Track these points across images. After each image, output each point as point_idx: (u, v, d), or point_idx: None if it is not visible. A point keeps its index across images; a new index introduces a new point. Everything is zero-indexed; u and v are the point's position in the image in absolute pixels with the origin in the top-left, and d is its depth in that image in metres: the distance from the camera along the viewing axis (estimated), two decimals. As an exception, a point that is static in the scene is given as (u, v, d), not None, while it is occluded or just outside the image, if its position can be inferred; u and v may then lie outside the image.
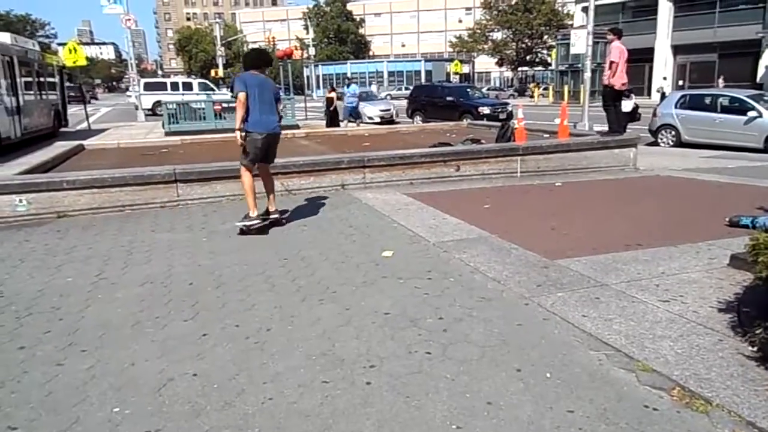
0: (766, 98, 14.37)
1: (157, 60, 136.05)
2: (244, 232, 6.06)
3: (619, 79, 9.93)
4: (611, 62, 9.88)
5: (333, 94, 21.37)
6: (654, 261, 4.79)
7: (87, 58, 26.07)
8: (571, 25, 47.49)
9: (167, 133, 18.23)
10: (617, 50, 9.86)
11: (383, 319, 3.80)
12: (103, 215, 7.18)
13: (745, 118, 13.29)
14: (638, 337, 3.38)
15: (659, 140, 15.01)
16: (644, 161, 10.46)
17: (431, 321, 3.73)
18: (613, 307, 3.85)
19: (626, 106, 13.33)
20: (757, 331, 3.16)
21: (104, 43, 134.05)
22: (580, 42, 19.50)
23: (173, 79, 40.70)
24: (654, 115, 15.47)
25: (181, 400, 2.85)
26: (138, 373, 3.14)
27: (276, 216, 6.43)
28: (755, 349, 3.13)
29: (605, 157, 9.86)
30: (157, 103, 28.05)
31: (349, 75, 64.96)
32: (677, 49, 38.59)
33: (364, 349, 3.36)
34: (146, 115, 28.25)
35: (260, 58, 6.41)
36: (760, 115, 13.07)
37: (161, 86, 33.38)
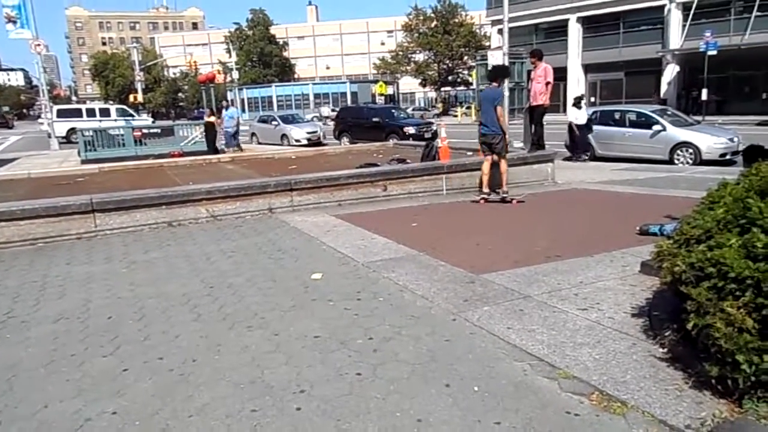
0: (669, 113, 15.42)
1: (71, 86, 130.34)
2: (504, 200, 8.46)
3: (548, 98, 10.60)
4: (547, 83, 10.42)
5: (213, 119, 20.35)
6: (572, 271, 5.01)
7: (-7, 85, 24.70)
8: (489, 46, 49.31)
9: (83, 161, 17.49)
10: (550, 71, 10.44)
11: (313, 342, 3.77)
12: (11, 249, 6.76)
13: (650, 131, 14.19)
14: (559, 346, 3.51)
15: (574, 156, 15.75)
16: (561, 175, 10.94)
17: (361, 342, 3.73)
18: (536, 317, 3.99)
19: (581, 117, 14.31)
20: (666, 334, 3.37)
21: (12, 69, 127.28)
22: (497, 62, 20.28)
23: (89, 105, 39.14)
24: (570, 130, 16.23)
25: (99, 442, 2.71)
26: (51, 416, 2.96)
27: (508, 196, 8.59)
28: (665, 350, 3.32)
29: (525, 172, 10.24)
30: (72, 131, 26.83)
31: (274, 98, 64.70)
32: (588, 68, 40.77)
33: (293, 375, 3.32)
34: (60, 143, 26.93)
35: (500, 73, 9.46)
36: (664, 129, 13.99)
37: (76, 113, 32.03)
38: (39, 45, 25.07)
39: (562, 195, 9.35)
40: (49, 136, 26.85)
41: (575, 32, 40.57)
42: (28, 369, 3.54)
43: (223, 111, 21.43)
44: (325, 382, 3.21)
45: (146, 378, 3.35)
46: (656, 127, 14.12)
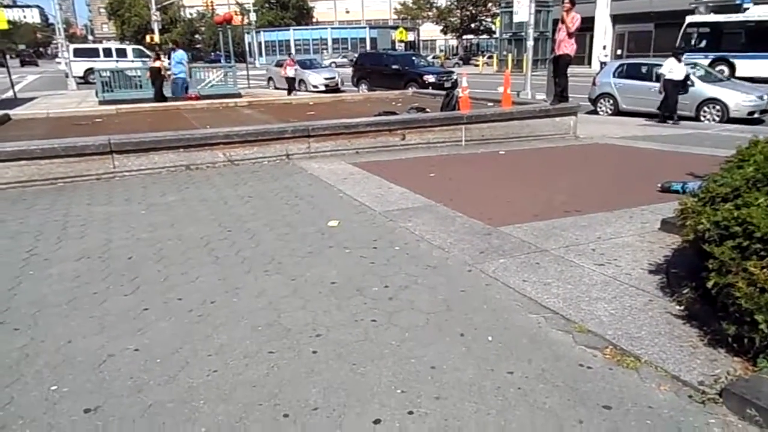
0: (698, 68, 14.93)
1: (87, 25, 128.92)
2: None
3: (574, 49, 10.16)
4: (571, 33, 9.94)
5: (158, 63, 17.62)
6: (591, 226, 4.97)
7: (9, 22, 24.49)
8: (515, -7, 47.72)
9: (101, 102, 17.45)
10: (578, 20, 9.94)
11: (329, 288, 3.81)
12: (33, 188, 6.85)
13: (678, 87, 13.75)
14: (575, 300, 3.51)
15: (598, 109, 15.41)
16: (584, 129, 10.74)
17: (377, 289, 3.77)
18: (552, 271, 3.99)
19: (677, 72, 12.61)
20: (684, 291, 3.35)
21: (28, 6, 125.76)
22: (523, 10, 19.64)
23: (106, 45, 38.83)
24: (593, 84, 15.85)
25: (122, 376, 2.79)
26: (76, 351, 3.05)
27: None
28: (682, 308, 3.31)
29: (547, 125, 10.06)
30: (90, 71, 26.68)
31: (292, 42, 63.57)
32: (616, 19, 39.43)
33: (310, 319, 3.37)
34: (78, 83, 26.88)
35: None
36: (692, 84, 13.58)
37: (93, 52, 31.76)
38: (55, -19, 24.68)
39: (584, 149, 9.20)
40: (67, 76, 26.78)
41: (605, -20, 39.06)
42: (52, 305, 3.62)
43: (171, 54, 18.16)
44: (341, 327, 3.26)
45: (166, 317, 3.42)
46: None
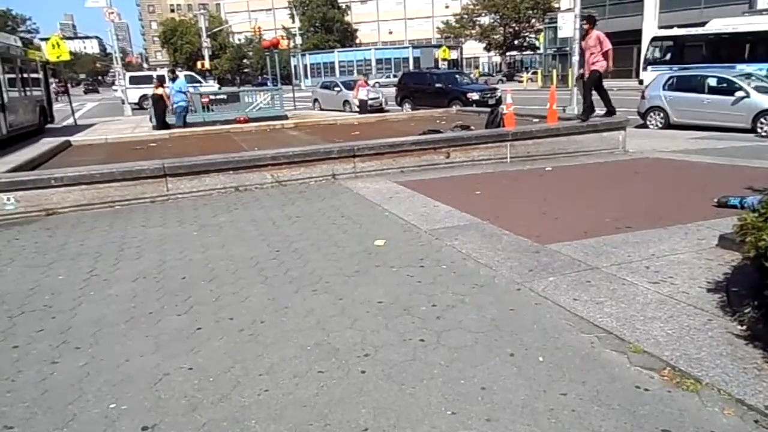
0: (753, 78, 14.43)
1: (142, 53, 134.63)
2: None
3: (608, 64, 9.89)
4: (606, 50, 9.65)
5: (161, 90, 16.90)
6: (644, 243, 4.83)
7: (71, 53, 25.79)
8: (558, 8, 47.36)
9: (155, 127, 18.09)
10: (604, 38, 9.74)
11: (377, 308, 3.82)
12: (92, 212, 7.14)
13: (732, 98, 13.34)
14: (629, 319, 3.42)
15: (648, 122, 15.05)
16: (633, 144, 10.50)
17: (424, 309, 3.76)
18: (604, 290, 3.89)
19: None
20: (746, 311, 3.21)
21: (88, 37, 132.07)
22: (568, 25, 19.49)
23: (159, 72, 40.35)
24: (642, 97, 15.51)
25: (177, 395, 2.86)
26: (133, 369, 3.14)
27: None
28: (744, 327, 3.17)
29: (594, 140, 9.89)
30: (144, 97, 27.78)
31: (336, 64, 64.62)
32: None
33: (358, 338, 3.38)
34: (133, 109, 27.99)
35: None
36: (748, 95, 13.13)
37: (147, 80, 33.05)
38: (112, 13, 25.87)
39: (634, 164, 8.98)
40: (123, 103, 27.93)
41: (652, -8, 38.35)
42: (111, 324, 3.76)
43: (169, 82, 17.45)
44: (389, 347, 3.26)
45: (218, 337, 3.50)
46: (739, 93, 13.25)
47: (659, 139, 12.08)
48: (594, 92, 10.15)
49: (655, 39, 29.66)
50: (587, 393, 2.70)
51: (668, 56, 28.39)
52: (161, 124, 16.64)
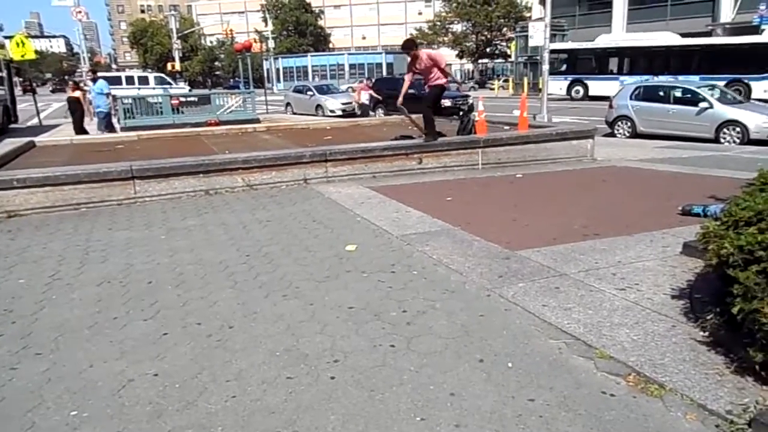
0: (716, 89, 14.85)
1: (111, 53, 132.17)
2: None
3: (445, 81, 9.63)
4: (442, 68, 9.31)
5: (78, 94, 16.12)
6: (611, 250, 4.92)
7: (36, 52, 25.20)
8: (530, 17, 48.10)
9: (123, 129, 17.75)
10: (435, 54, 9.66)
11: (347, 313, 3.80)
12: (56, 214, 6.96)
13: (696, 108, 13.71)
14: (596, 325, 3.47)
15: (616, 131, 15.35)
16: (601, 152, 10.70)
17: (395, 314, 3.75)
18: (572, 296, 3.94)
19: None
20: (708, 317, 3.29)
21: (54, 36, 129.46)
22: (538, 34, 19.81)
23: (128, 72, 39.73)
24: (610, 106, 15.82)
25: (141, 401, 2.80)
26: (96, 375, 3.06)
27: None
28: (706, 334, 3.25)
29: (564, 148, 10.04)
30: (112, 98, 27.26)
31: (309, 68, 64.41)
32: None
33: (328, 344, 3.36)
34: (101, 109, 27.41)
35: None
36: (711, 106, 13.51)
37: (116, 80, 32.47)
38: (80, 12, 25.42)
39: (602, 172, 9.15)
40: (90, 104, 27.35)
41: (620, 4, 39.25)
42: (74, 330, 3.66)
43: (91, 85, 16.29)
44: (359, 353, 3.24)
45: (185, 342, 3.44)
46: (703, 104, 13.64)
47: (626, 147, 12.32)
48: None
49: (552, 51, 32.49)
50: (554, 399, 2.73)
51: (563, 67, 32.44)
52: (78, 130, 15.49)
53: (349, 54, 70.66)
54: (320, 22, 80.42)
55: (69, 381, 3.01)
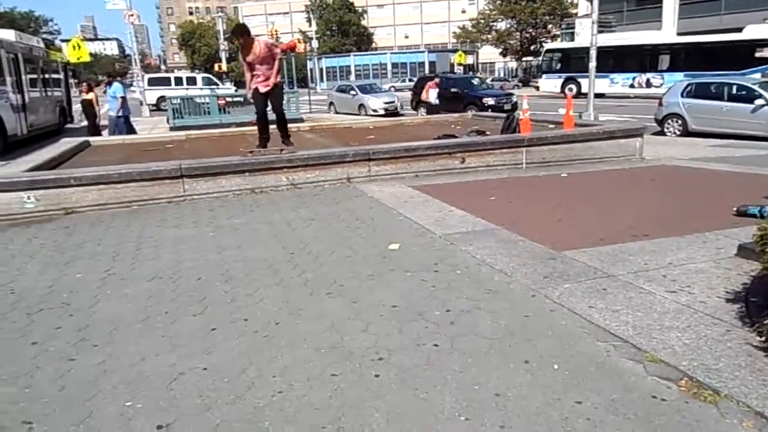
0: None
1: (161, 55, 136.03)
2: None
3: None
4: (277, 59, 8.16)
5: (91, 96, 15.89)
6: (661, 251, 4.79)
7: (91, 54, 26.12)
8: (576, 14, 47.15)
9: (172, 128, 18.28)
10: (274, 44, 8.43)
11: (391, 312, 3.81)
12: (110, 211, 7.21)
13: (752, 106, 13.19)
14: (646, 328, 3.38)
15: (665, 130, 14.90)
16: (651, 151, 10.41)
17: (438, 314, 3.75)
18: (621, 298, 3.86)
19: None
20: (765, 321, 3.16)
21: (108, 39, 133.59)
22: (585, 31, 19.38)
23: (177, 74, 40.79)
24: (660, 104, 15.37)
25: (192, 394, 2.88)
26: (149, 368, 3.17)
27: None
28: (763, 339, 3.12)
29: (611, 147, 9.82)
30: (162, 99, 28.09)
31: (352, 67, 64.77)
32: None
33: (372, 342, 3.38)
34: (151, 110, 28.29)
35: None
36: (767, 103, 12.97)
37: (165, 81, 33.47)
38: (132, 15, 26.18)
39: (651, 171, 8.90)
40: (141, 104, 28.23)
41: (671, -2, 38.07)
42: (127, 323, 3.79)
43: (107, 89, 15.69)
44: (403, 351, 3.25)
45: (233, 338, 3.52)
46: (759, 101, 13.09)
47: (677, 146, 11.97)
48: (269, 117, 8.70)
49: (547, 51, 36.07)
50: (603, 402, 2.68)
51: (558, 66, 34.37)
52: (93, 131, 15.36)
53: (392, 53, 70.85)
54: (363, 22, 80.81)
55: (123, 373, 3.12)
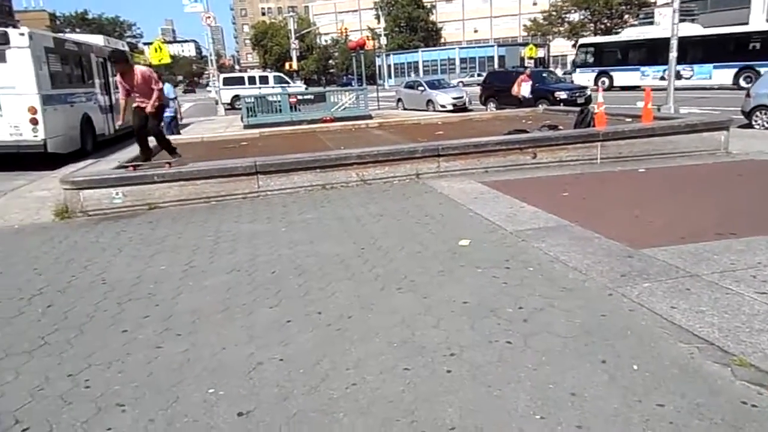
0: None
1: (234, 55, 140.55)
2: None
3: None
4: (157, 89, 7.98)
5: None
6: (749, 251, 4.53)
7: (171, 56, 27.31)
8: (655, 3, 45.09)
9: (245, 126, 18.84)
10: (153, 74, 8.16)
11: (462, 308, 3.80)
12: (190, 206, 7.55)
13: None
14: (733, 330, 3.22)
15: (753, 122, 14.01)
16: (737, 145, 9.83)
17: (511, 311, 3.70)
18: (705, 298, 3.68)
19: None
20: None
21: (186, 41, 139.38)
22: (665, 21, 18.51)
23: (250, 73, 41.99)
24: (747, 95, 14.48)
25: (269, 384, 2.98)
26: (229, 357, 3.30)
27: None
28: None
29: (693, 141, 9.35)
30: (236, 97, 29.05)
31: (420, 63, 64.63)
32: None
33: (443, 338, 3.38)
34: (226, 109, 29.30)
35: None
36: None
37: (239, 80, 34.54)
38: (209, 17, 27.19)
39: (737, 166, 8.42)
40: (217, 103, 29.32)
41: (760, -19, 35.78)
42: (208, 314, 3.96)
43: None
44: (475, 348, 3.23)
45: (307, 330, 3.61)
46: None
47: (766, 140, 11.24)
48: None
49: (581, 46, 36.83)
50: (687, 405, 2.57)
51: (592, 60, 35.05)
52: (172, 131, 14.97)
53: (460, 48, 70.18)
54: (432, 17, 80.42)
55: (205, 361, 3.27)
